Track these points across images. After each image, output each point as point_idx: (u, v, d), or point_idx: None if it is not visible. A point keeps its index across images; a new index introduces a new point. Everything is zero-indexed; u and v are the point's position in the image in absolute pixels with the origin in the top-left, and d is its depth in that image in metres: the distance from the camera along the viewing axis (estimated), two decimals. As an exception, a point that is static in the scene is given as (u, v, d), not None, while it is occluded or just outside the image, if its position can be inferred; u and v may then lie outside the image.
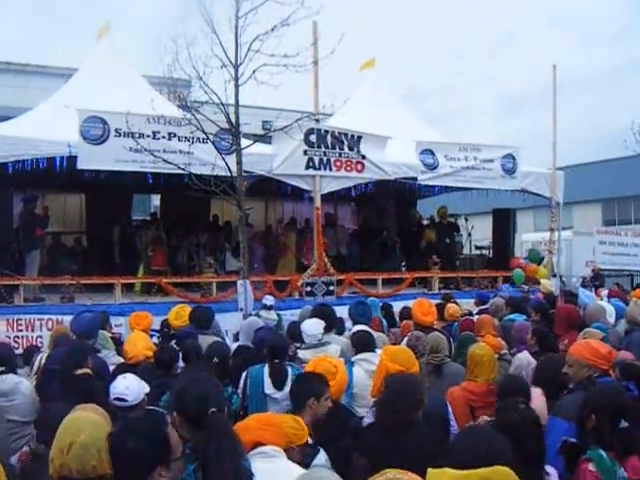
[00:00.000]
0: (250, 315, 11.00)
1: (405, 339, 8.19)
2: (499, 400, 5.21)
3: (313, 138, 15.37)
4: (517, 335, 8.29)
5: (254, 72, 11.08)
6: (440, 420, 5.50)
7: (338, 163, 15.84)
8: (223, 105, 11.40)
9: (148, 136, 13.45)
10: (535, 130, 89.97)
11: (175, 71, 11.51)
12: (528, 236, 30.34)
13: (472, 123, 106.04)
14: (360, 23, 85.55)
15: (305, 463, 4.06)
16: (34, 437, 6.57)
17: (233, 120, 11.55)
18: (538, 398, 5.38)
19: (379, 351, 6.58)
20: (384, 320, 11.19)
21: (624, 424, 4.11)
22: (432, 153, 17.22)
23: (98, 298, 13.90)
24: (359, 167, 16.19)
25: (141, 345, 7.39)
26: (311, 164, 15.46)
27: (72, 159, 13.18)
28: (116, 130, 13.34)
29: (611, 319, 9.32)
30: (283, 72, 11.12)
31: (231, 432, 3.70)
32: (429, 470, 2.66)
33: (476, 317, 10.05)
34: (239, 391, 6.55)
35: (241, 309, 11.51)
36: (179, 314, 9.58)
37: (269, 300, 12.04)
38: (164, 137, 13.76)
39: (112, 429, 3.66)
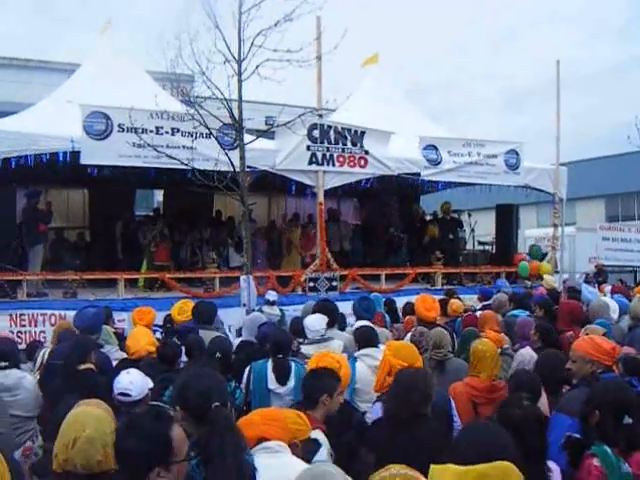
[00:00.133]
0: (253, 310, 10.98)
1: (408, 334, 8.21)
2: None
3: (316, 133, 15.36)
4: (520, 331, 8.28)
5: (257, 67, 11.07)
6: (443, 416, 5.49)
7: (341, 158, 15.83)
8: (226, 100, 11.38)
9: (151, 131, 13.46)
10: (538, 126, 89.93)
11: (178, 66, 11.50)
12: (531, 232, 30.30)
13: (475, 119, 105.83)
14: (363, 18, 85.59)
15: (307, 458, 4.06)
16: (37, 432, 6.61)
17: (236, 115, 11.54)
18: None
19: (382, 347, 6.58)
20: (387, 316, 11.19)
21: (628, 420, 4.10)
22: (435, 149, 17.20)
23: (101, 293, 13.91)
24: (362, 162, 16.17)
25: (144, 340, 7.39)
26: (314, 159, 15.45)
27: (75, 154, 13.18)
28: (119, 125, 13.34)
29: (614, 315, 9.31)
30: (286, 67, 11.13)
31: (234, 427, 3.70)
32: (432, 466, 2.66)
33: (479, 313, 10.05)
34: (242, 386, 6.56)
35: (244, 304, 11.51)
36: (182, 309, 9.60)
37: (272, 295, 12.05)
38: (167, 132, 13.75)
39: (116, 424, 3.67)
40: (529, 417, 4.13)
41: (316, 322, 7.62)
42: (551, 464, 4.09)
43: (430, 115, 21.93)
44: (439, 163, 17.23)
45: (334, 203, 22.38)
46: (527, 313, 9.71)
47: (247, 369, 6.71)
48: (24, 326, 12.71)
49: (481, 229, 22.20)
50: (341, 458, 4.54)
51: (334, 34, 12.02)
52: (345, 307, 10.41)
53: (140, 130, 13.12)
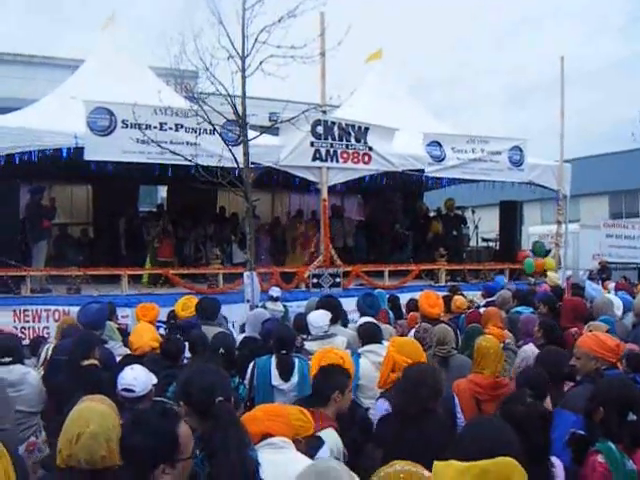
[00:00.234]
0: (256, 306, 11.00)
1: (412, 331, 8.21)
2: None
3: (320, 130, 15.34)
4: (523, 327, 8.29)
5: (261, 63, 11.04)
6: (447, 412, 5.49)
7: (345, 155, 15.81)
8: (230, 96, 11.36)
9: (155, 127, 13.44)
10: (542, 122, 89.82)
11: (182, 62, 11.50)
12: (535, 229, 30.30)
13: (479, 114, 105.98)
14: (367, 14, 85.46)
15: (310, 455, 4.06)
16: (41, 428, 6.63)
17: (240, 111, 11.52)
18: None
19: (386, 343, 6.58)
20: (391, 312, 11.19)
21: (632, 417, 4.09)
22: (439, 145, 17.18)
23: (105, 289, 13.91)
24: (366, 159, 16.15)
25: (147, 336, 7.40)
26: (318, 156, 15.43)
27: (79, 150, 13.16)
28: (123, 121, 13.33)
29: (618, 312, 9.33)
30: (290, 63, 11.09)
31: (238, 422, 3.70)
32: (435, 462, 2.65)
33: (483, 309, 10.05)
34: (246, 382, 6.57)
35: (247, 300, 11.51)
36: (186, 305, 9.60)
37: (275, 292, 12.04)
38: (171, 128, 13.74)
39: (120, 420, 3.67)
40: (532, 413, 4.13)
41: (320, 318, 7.62)
42: (554, 459, 4.09)
43: (434, 111, 21.99)
44: (443, 159, 17.21)
45: (338, 199, 22.41)
46: (531, 310, 9.71)
47: (251, 365, 6.73)
48: (28, 322, 12.71)
49: (485, 226, 22.16)
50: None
51: (338, 30, 12.01)
52: (348, 303, 10.41)
53: (144, 126, 13.11)
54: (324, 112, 15.45)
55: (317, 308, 8.24)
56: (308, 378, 5.94)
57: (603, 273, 21.22)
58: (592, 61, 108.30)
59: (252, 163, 12.04)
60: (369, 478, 2.73)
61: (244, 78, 11.33)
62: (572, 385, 5.69)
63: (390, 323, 10.04)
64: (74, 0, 68.20)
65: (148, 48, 19.49)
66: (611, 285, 14.70)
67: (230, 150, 11.77)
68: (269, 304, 11.37)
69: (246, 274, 11.77)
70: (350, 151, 15.86)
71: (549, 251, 19.87)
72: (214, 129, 12.29)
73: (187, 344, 7.08)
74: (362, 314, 9.12)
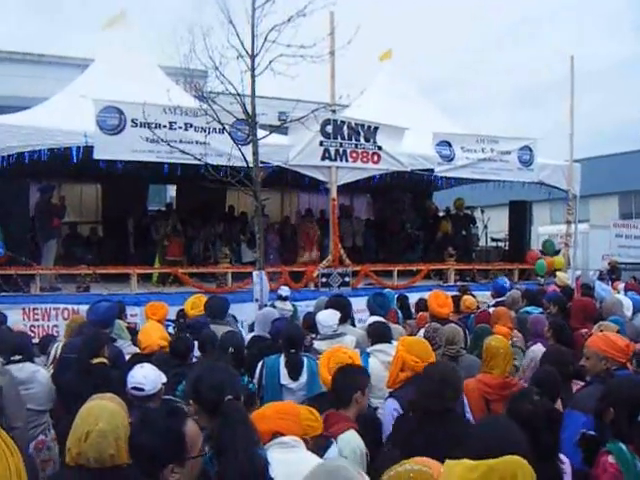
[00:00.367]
0: (265, 306, 11.00)
1: (422, 331, 8.19)
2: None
3: (329, 129, 15.33)
4: (532, 328, 8.27)
5: (270, 63, 11.04)
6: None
7: (354, 154, 15.80)
8: (239, 96, 11.37)
9: (164, 126, 13.46)
10: (551, 122, 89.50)
11: (191, 61, 11.49)
12: (544, 229, 30.21)
13: (488, 114, 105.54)
14: (377, 13, 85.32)
15: (318, 455, 4.05)
16: (50, 426, 6.64)
17: (249, 111, 11.53)
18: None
19: (395, 342, 6.57)
20: (399, 312, 11.18)
21: (643, 417, 4.08)
22: (449, 145, 17.16)
23: (114, 288, 13.92)
24: (375, 158, 16.14)
25: (155, 335, 7.41)
26: (327, 155, 15.42)
27: (88, 149, 13.19)
28: (132, 120, 13.35)
29: (628, 312, 9.29)
30: (300, 63, 11.09)
31: (247, 420, 3.70)
32: (447, 461, 2.66)
33: (492, 309, 10.03)
34: (255, 381, 6.57)
35: (256, 300, 11.51)
36: (195, 304, 9.63)
37: (284, 291, 12.04)
38: (180, 127, 13.75)
39: (129, 418, 3.67)
40: (539, 411, 4.13)
41: (329, 317, 7.62)
42: (562, 457, 4.09)
43: (443, 110, 21.87)
44: (452, 159, 17.19)
45: (347, 199, 22.41)
46: (540, 310, 9.69)
47: (260, 364, 6.73)
48: (37, 320, 12.74)
49: (494, 226, 22.15)
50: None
51: (347, 29, 12.01)
52: (357, 303, 10.40)
53: (153, 125, 13.14)
54: (333, 111, 15.44)
55: (326, 307, 8.24)
56: (317, 377, 5.94)
57: (613, 273, 21.12)
58: (602, 60, 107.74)
59: (261, 162, 12.04)
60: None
61: (253, 77, 11.34)
62: (582, 385, 5.67)
63: (399, 323, 10.04)
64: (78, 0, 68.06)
65: (158, 47, 19.50)
66: (621, 285, 14.64)
67: (239, 149, 11.79)
68: (278, 303, 11.37)
69: (255, 273, 11.78)
70: (359, 150, 15.85)
71: (559, 251, 19.83)
72: (223, 128, 12.29)
73: (196, 343, 7.09)
74: (372, 313, 9.10)
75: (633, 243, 25.28)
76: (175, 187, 23.37)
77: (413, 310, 11.95)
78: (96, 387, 4.57)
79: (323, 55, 11.69)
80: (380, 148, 16.10)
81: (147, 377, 5.20)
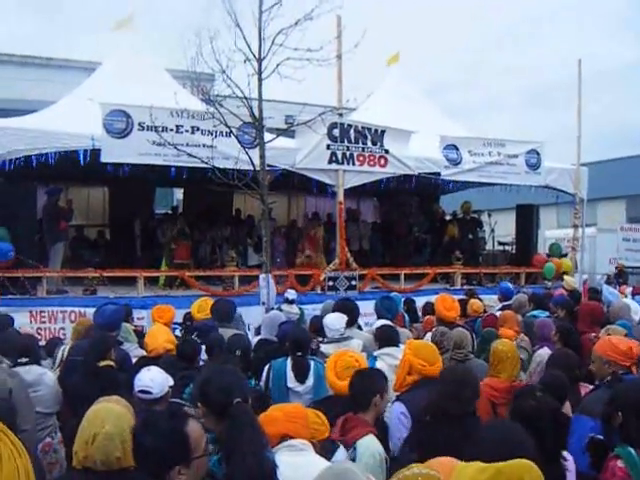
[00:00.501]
0: (272, 309, 10.99)
1: (428, 334, 8.19)
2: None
3: (336, 132, 15.35)
4: (539, 331, 8.25)
5: (277, 66, 11.04)
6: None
7: (361, 158, 15.80)
8: (246, 99, 11.36)
9: (171, 130, 13.50)
10: (556, 125, 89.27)
11: (198, 65, 11.49)
12: (551, 232, 30.13)
13: (492, 116, 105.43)
14: (382, 15, 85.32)
15: (326, 458, 4.04)
16: (56, 428, 6.64)
17: (256, 114, 11.52)
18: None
19: (402, 346, 6.56)
20: (406, 315, 11.17)
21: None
22: (456, 148, 17.14)
23: (121, 291, 13.97)
24: (382, 162, 16.14)
25: (162, 338, 7.41)
26: (334, 158, 15.43)
27: (95, 152, 13.22)
28: (139, 124, 13.39)
29: (636, 316, 9.29)
30: (306, 66, 11.07)
31: (255, 423, 3.70)
32: (458, 464, 2.69)
33: (499, 313, 10.02)
34: (261, 384, 6.56)
35: (263, 303, 11.50)
36: (202, 307, 9.61)
37: (291, 294, 12.03)
38: (187, 131, 13.79)
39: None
40: (542, 408, 4.13)
41: (336, 321, 7.62)
42: (566, 455, 4.08)
43: (449, 113, 21.89)
44: (459, 163, 17.17)
45: (354, 202, 22.42)
46: (546, 314, 9.67)
47: (266, 367, 6.72)
48: (44, 323, 12.77)
49: (501, 229, 22.11)
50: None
51: (354, 33, 12.01)
52: (364, 306, 10.39)
53: (160, 128, 13.13)
54: (340, 115, 15.47)
55: (333, 311, 8.23)
56: (323, 380, 5.93)
57: (620, 277, 21.13)
58: (608, 62, 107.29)
59: (268, 165, 12.04)
60: None
61: (260, 81, 11.33)
62: (590, 389, 5.66)
63: (406, 326, 10.03)
64: (84, 2, 68.13)
65: (165, 50, 19.55)
66: (628, 289, 14.64)
67: (246, 152, 11.78)
68: (284, 306, 11.37)
69: (262, 276, 11.77)
70: (366, 154, 15.85)
71: (565, 255, 19.80)
72: (230, 131, 12.31)
73: (204, 346, 7.09)
74: (380, 317, 9.09)
75: (640, 247, 25.24)
76: (182, 190, 23.41)
77: (420, 313, 11.95)
78: (103, 390, 4.56)
79: (330, 58, 11.67)
80: (387, 151, 16.10)
81: (154, 380, 5.20)
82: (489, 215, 21.22)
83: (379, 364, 6.57)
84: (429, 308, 11.00)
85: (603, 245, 26.37)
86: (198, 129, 13.84)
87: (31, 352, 6.79)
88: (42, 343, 10.11)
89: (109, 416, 3.59)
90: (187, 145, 13.11)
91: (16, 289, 12.93)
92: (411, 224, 21.56)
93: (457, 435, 4.28)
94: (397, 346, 6.86)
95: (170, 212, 20.56)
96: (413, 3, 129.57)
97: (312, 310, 12.25)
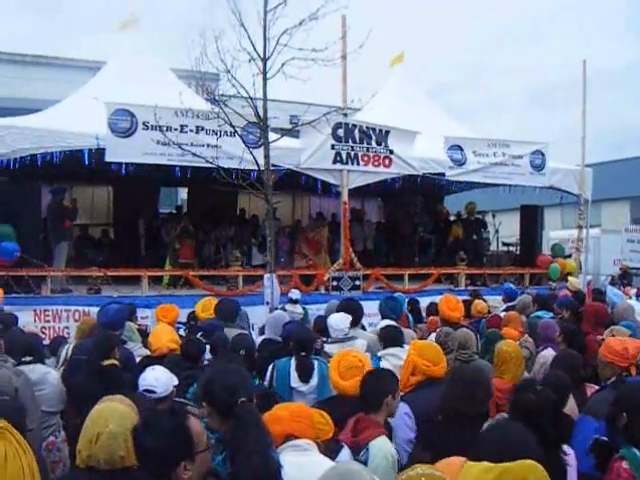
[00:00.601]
0: (276, 309, 10.99)
1: (432, 335, 8.18)
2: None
3: (341, 132, 15.34)
4: (543, 332, 8.24)
5: (282, 66, 11.03)
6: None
7: (366, 158, 15.79)
8: (251, 99, 11.36)
9: (176, 129, 13.51)
10: (561, 126, 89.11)
11: (203, 64, 11.49)
12: (556, 233, 30.11)
13: (495, 117, 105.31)
14: (388, 16, 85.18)
15: (330, 458, 4.03)
16: (60, 427, 6.65)
17: (261, 114, 11.51)
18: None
19: (407, 347, 6.55)
20: (410, 316, 11.17)
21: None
22: (460, 149, 17.13)
23: (125, 290, 13.96)
24: (387, 162, 16.13)
25: (165, 337, 7.40)
26: (339, 158, 15.43)
27: (100, 152, 13.25)
28: (144, 123, 13.40)
29: (639, 318, 9.26)
30: (311, 66, 11.06)
31: (260, 422, 3.69)
32: (466, 463, 2.70)
33: (503, 314, 10.01)
34: (265, 384, 6.56)
35: (267, 303, 11.51)
36: (206, 306, 9.61)
37: (295, 294, 12.02)
38: (192, 130, 13.79)
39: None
40: (542, 401, 4.12)
41: (340, 321, 7.61)
42: (567, 449, 4.07)
43: (453, 113, 21.91)
44: (464, 163, 17.17)
45: (358, 203, 22.43)
46: (550, 315, 9.67)
47: (270, 367, 6.72)
48: (48, 322, 12.78)
49: (505, 230, 22.11)
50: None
51: (359, 33, 12.00)
52: (368, 307, 10.38)
53: (165, 128, 13.16)
54: (345, 115, 15.45)
55: (337, 311, 8.22)
56: (327, 380, 5.93)
57: (624, 278, 21.11)
58: (609, 63, 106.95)
59: (273, 165, 12.04)
60: None
61: (265, 80, 11.32)
62: (595, 391, 5.66)
63: (410, 327, 10.03)
64: (84, 2, 68.13)
65: (169, 50, 19.56)
66: (632, 291, 14.62)
67: (251, 152, 11.77)
68: (288, 306, 11.35)
69: (266, 276, 11.78)
70: (371, 154, 15.85)
71: (569, 256, 19.78)
72: (235, 131, 12.29)
73: (208, 346, 7.09)
74: (384, 317, 9.08)
75: (645, 248, 25.21)
76: (186, 190, 23.45)
77: (424, 314, 11.93)
78: (107, 389, 4.56)
79: (335, 58, 11.68)
80: (392, 152, 16.09)
81: (159, 379, 5.21)
82: (493, 216, 21.22)
83: (383, 364, 6.56)
84: (433, 309, 10.98)
85: (607, 246, 26.34)
86: (203, 129, 13.85)
87: (35, 351, 6.80)
88: (46, 342, 10.14)
89: (113, 415, 3.59)
90: (191, 145, 13.14)
91: (20, 288, 12.95)
92: (415, 224, 21.55)
93: (469, 436, 4.27)
94: (402, 346, 6.86)
95: (174, 212, 20.59)
96: (413, 3, 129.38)
97: (316, 310, 12.23)
